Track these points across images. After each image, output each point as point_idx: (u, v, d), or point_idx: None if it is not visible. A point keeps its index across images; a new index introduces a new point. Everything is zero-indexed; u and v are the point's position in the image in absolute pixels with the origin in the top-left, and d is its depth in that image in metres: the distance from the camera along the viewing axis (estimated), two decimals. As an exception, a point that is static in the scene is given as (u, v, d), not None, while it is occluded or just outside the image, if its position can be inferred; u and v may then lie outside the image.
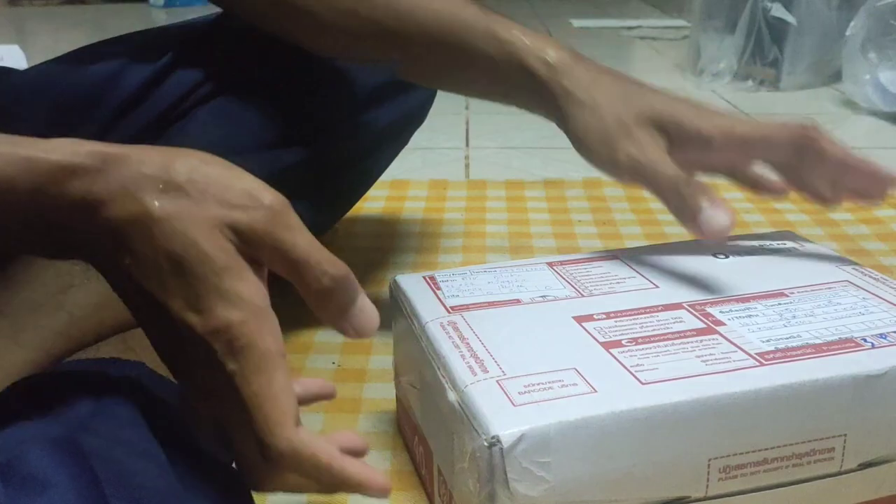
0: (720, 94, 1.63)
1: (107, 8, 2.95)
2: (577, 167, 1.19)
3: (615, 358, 0.43)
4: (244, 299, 0.33)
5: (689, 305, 0.48)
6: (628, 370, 0.41)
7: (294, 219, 0.36)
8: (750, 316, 0.47)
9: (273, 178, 0.68)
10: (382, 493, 0.35)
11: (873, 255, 0.87)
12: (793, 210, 0.99)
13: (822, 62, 1.66)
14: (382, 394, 0.62)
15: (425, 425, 0.47)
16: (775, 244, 0.57)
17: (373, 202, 1.02)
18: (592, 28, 2.46)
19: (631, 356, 0.43)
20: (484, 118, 1.45)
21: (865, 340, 0.44)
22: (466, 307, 0.48)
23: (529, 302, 0.49)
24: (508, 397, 0.39)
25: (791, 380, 0.41)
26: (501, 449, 0.37)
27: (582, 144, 0.55)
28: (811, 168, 0.52)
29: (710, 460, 0.40)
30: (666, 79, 1.79)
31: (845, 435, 0.42)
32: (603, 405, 0.38)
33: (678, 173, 0.51)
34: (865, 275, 0.52)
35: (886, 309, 0.48)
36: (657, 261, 0.54)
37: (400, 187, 1.07)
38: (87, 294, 0.55)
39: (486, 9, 0.59)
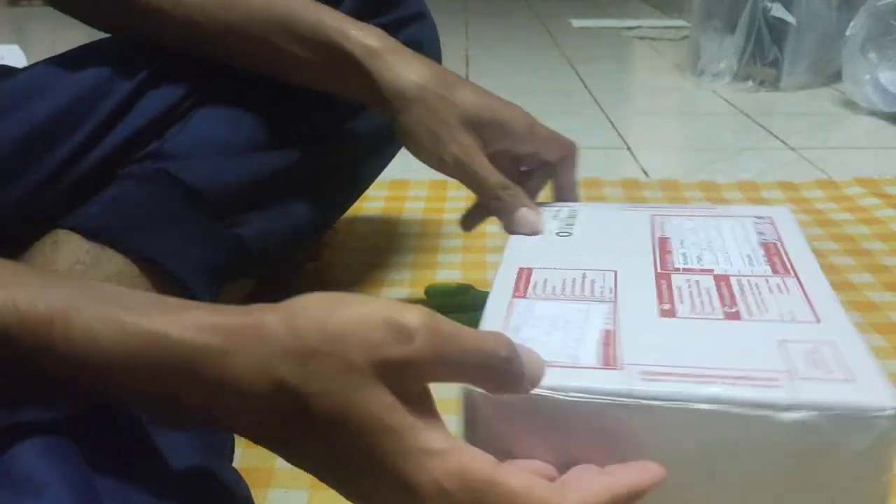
0: (720, 94, 1.63)
1: (107, 8, 2.94)
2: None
3: (761, 320, 0.46)
4: (435, 450, 0.30)
5: (670, 272, 0.52)
6: (798, 320, 0.46)
7: (446, 324, 0.32)
8: (699, 258, 0.54)
9: (272, 179, 0.69)
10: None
11: (873, 255, 0.87)
12: (793, 210, 0.99)
13: (822, 62, 1.66)
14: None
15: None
16: (564, 213, 0.62)
17: (373, 202, 1.02)
18: (592, 28, 2.46)
19: (760, 314, 0.47)
20: (484, 118, 1.45)
21: (765, 246, 0.55)
22: (616, 361, 0.43)
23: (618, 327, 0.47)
24: (830, 381, 0.39)
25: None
26: None
27: (410, 140, 0.59)
28: (559, 171, 0.64)
29: None
30: (666, 79, 1.79)
31: None
32: (857, 341, 0.43)
33: (499, 180, 0.59)
34: (658, 209, 0.62)
35: (715, 221, 0.58)
36: (557, 254, 0.56)
37: (400, 187, 1.07)
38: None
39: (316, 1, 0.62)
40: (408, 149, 0.61)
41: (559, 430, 0.40)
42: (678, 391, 0.39)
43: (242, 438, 0.57)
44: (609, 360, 0.42)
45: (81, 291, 0.31)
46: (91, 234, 0.57)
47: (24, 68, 0.65)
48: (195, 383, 0.31)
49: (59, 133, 0.60)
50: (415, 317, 0.31)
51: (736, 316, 0.47)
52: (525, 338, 0.44)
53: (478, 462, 0.30)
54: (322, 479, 0.33)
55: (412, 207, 1.01)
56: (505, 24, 2.55)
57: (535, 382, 0.36)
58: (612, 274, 0.53)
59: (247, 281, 0.71)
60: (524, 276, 0.52)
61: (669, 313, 0.47)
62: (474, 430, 0.40)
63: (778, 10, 1.60)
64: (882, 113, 1.44)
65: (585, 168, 1.19)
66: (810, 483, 0.40)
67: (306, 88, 0.65)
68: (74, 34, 0.69)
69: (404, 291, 0.78)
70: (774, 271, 0.52)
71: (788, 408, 0.38)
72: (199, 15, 0.61)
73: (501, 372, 0.34)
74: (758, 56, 1.65)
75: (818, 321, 0.46)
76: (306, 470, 0.33)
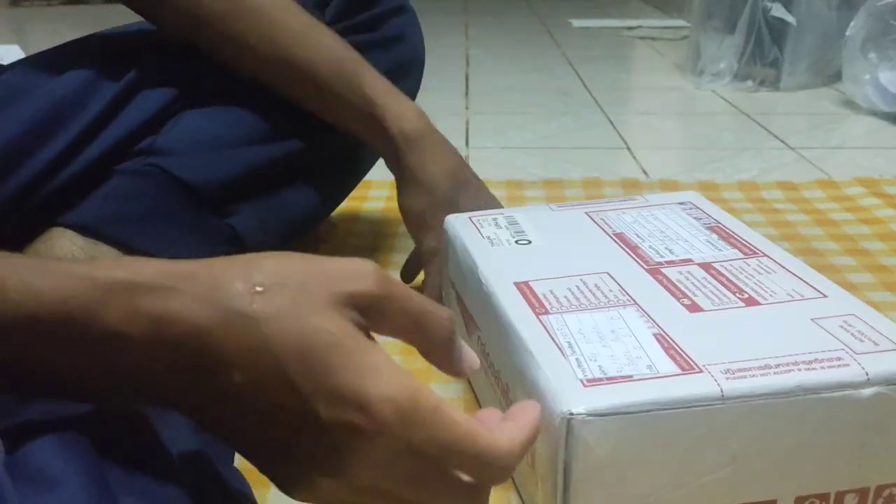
0: (720, 95, 1.63)
1: (107, 8, 2.94)
2: (576, 167, 1.19)
3: (777, 302, 0.50)
4: (388, 368, 0.31)
5: (657, 267, 0.55)
6: (809, 297, 0.50)
7: (395, 279, 0.34)
8: (670, 250, 0.57)
9: (264, 171, 0.69)
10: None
11: (873, 255, 0.87)
12: (793, 210, 0.99)
13: (822, 62, 1.66)
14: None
15: None
16: (503, 220, 0.64)
17: (373, 202, 1.02)
18: (592, 28, 2.46)
19: (772, 296, 0.50)
20: (484, 118, 1.45)
21: (712, 230, 0.59)
22: (692, 365, 0.44)
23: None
24: (885, 352, 0.44)
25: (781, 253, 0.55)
26: None
27: (404, 214, 0.70)
28: None
29: None
30: (666, 79, 1.79)
31: None
32: (870, 309, 0.49)
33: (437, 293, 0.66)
34: (585, 206, 0.65)
35: (648, 212, 0.62)
36: (538, 263, 0.56)
37: (400, 187, 1.07)
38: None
39: (361, 59, 0.66)
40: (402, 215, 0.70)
41: (666, 443, 0.41)
42: (767, 384, 0.42)
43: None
44: (684, 364, 0.43)
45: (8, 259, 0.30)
46: (85, 230, 0.57)
47: (7, 67, 0.64)
48: (130, 322, 0.29)
49: (48, 132, 0.59)
50: (368, 263, 0.33)
51: (753, 302, 0.49)
52: (587, 354, 0.45)
53: (426, 389, 0.31)
54: (252, 442, 0.32)
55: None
56: (505, 24, 2.55)
57: (473, 367, 0.36)
58: (607, 276, 0.53)
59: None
60: (527, 290, 0.52)
61: (695, 308, 0.48)
62: (574, 458, 0.40)
63: (778, 10, 1.60)
64: (882, 113, 1.44)
65: (585, 168, 1.19)
66: (885, 447, 0.43)
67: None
68: (75, 34, 0.69)
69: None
70: (744, 253, 0.56)
71: (865, 384, 0.42)
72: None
73: (442, 334, 0.35)
74: (758, 56, 1.65)
75: (825, 296, 0.50)
76: (235, 438, 0.32)
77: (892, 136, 1.36)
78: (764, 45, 1.64)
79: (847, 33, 1.48)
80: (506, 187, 1.08)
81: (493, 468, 0.32)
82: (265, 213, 0.65)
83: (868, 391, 0.42)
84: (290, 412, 0.30)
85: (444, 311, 0.35)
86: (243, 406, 0.30)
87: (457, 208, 0.66)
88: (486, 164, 1.19)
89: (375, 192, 1.04)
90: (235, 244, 0.63)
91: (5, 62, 0.65)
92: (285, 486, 0.33)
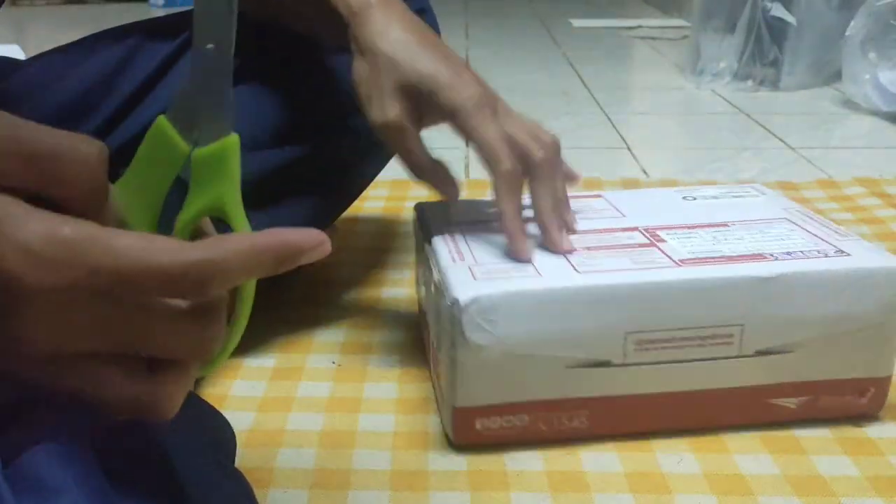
0: (720, 94, 1.63)
1: (107, 8, 2.95)
2: (576, 167, 1.19)
3: (567, 259, 0.54)
4: (15, 217, 0.25)
5: (643, 228, 0.59)
6: (571, 264, 0.54)
7: None
8: (689, 237, 0.58)
9: (273, 177, 0.68)
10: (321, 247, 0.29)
11: (873, 255, 0.87)
12: (793, 210, 0.99)
13: (822, 62, 1.66)
14: (382, 393, 0.62)
15: (429, 313, 0.60)
16: (739, 191, 0.67)
17: (373, 202, 1.02)
18: (592, 28, 2.46)
19: (579, 257, 0.55)
20: (484, 118, 1.45)
21: (773, 255, 0.54)
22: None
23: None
24: (473, 275, 0.52)
25: (697, 276, 0.52)
26: (459, 307, 0.50)
27: (354, 92, 0.58)
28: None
29: (626, 333, 0.52)
30: (666, 79, 1.79)
31: (742, 325, 0.53)
32: (542, 282, 0.51)
33: (428, 159, 0.58)
34: (805, 215, 0.62)
35: (805, 237, 0.57)
36: (631, 198, 0.66)
37: (400, 187, 1.07)
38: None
39: None
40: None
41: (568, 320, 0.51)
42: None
43: (242, 438, 0.57)
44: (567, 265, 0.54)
45: None
46: None
47: (33, 59, 0.65)
48: None
49: (77, 116, 0.60)
50: None
51: (572, 252, 0.55)
52: (481, 260, 0.55)
53: (70, 221, 0.25)
54: None
55: (412, 207, 1.01)
56: (505, 24, 2.55)
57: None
58: (618, 214, 0.64)
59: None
60: (582, 196, 0.67)
61: (659, 240, 0.58)
62: (461, 342, 0.51)
63: (778, 10, 1.60)
64: (882, 113, 1.44)
65: (585, 168, 1.19)
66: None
67: (306, 88, 0.65)
68: (75, 34, 0.69)
69: (404, 291, 0.78)
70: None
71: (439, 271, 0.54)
72: None
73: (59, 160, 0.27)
74: (758, 56, 1.65)
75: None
76: None
77: (892, 136, 1.36)
78: (764, 44, 1.64)
79: (847, 33, 1.48)
80: (506, 187, 1.08)
81: (188, 279, 0.26)
82: (273, 220, 0.65)
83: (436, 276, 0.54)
84: None
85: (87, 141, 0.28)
86: None
87: (408, 72, 0.56)
88: (486, 164, 1.19)
89: (375, 192, 1.04)
90: None
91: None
92: None
